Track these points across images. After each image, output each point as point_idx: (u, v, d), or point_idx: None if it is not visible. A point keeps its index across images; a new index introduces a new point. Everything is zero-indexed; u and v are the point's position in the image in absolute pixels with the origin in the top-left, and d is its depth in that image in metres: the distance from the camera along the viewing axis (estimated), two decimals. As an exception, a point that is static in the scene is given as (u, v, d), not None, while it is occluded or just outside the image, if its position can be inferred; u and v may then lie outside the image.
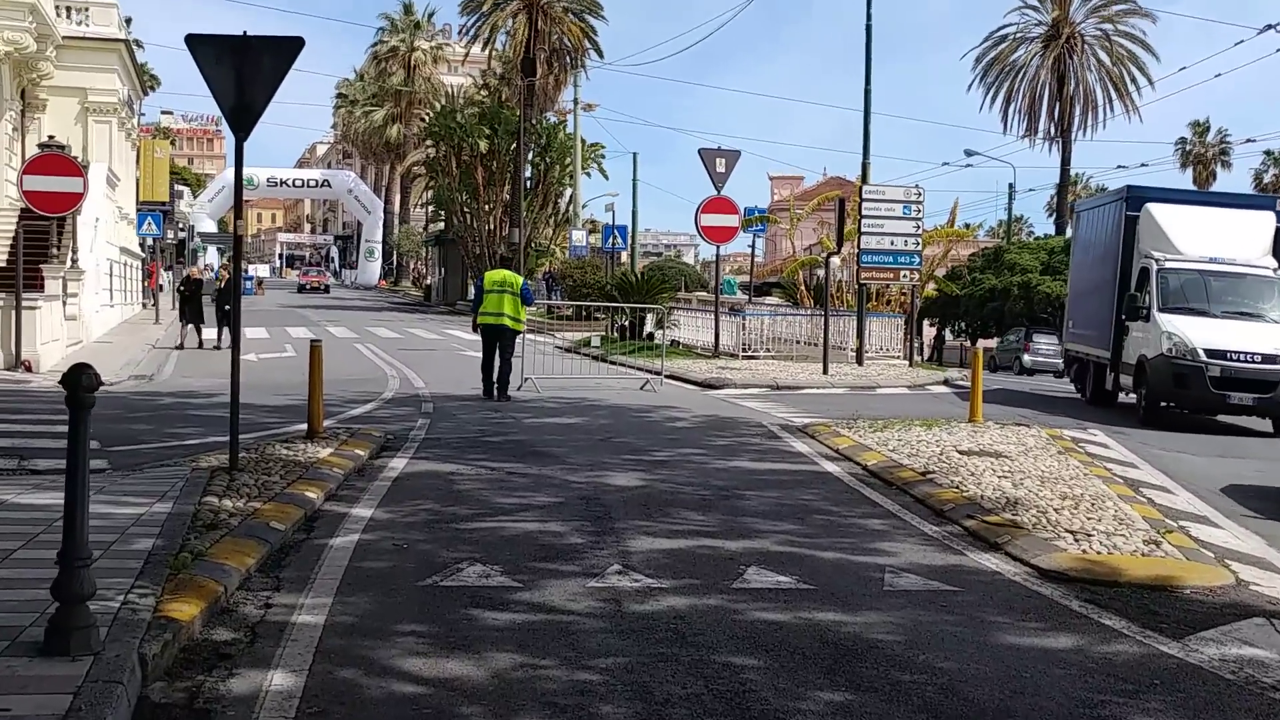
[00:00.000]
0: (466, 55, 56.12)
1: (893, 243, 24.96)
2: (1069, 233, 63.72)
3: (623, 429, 14.20)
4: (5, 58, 28.87)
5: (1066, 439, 13.99)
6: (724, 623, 6.26)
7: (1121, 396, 18.99)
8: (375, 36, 79.13)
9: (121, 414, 14.22)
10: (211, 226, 74.89)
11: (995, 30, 59.47)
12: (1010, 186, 64.12)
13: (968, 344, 55.06)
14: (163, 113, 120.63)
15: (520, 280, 17.66)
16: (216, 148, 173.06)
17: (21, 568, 6.34)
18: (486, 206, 51.00)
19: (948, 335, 57.13)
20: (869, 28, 25.38)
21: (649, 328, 29.75)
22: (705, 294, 58.95)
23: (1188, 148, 77.67)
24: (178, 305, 27.70)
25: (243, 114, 9.43)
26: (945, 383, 23.98)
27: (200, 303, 26.69)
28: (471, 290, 56.07)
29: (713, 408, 17.12)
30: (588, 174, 52.40)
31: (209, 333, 27.03)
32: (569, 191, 53.12)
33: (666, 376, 20.58)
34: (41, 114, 32.84)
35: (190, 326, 26.58)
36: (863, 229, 24.45)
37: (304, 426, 12.00)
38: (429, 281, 67.75)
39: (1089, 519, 9.14)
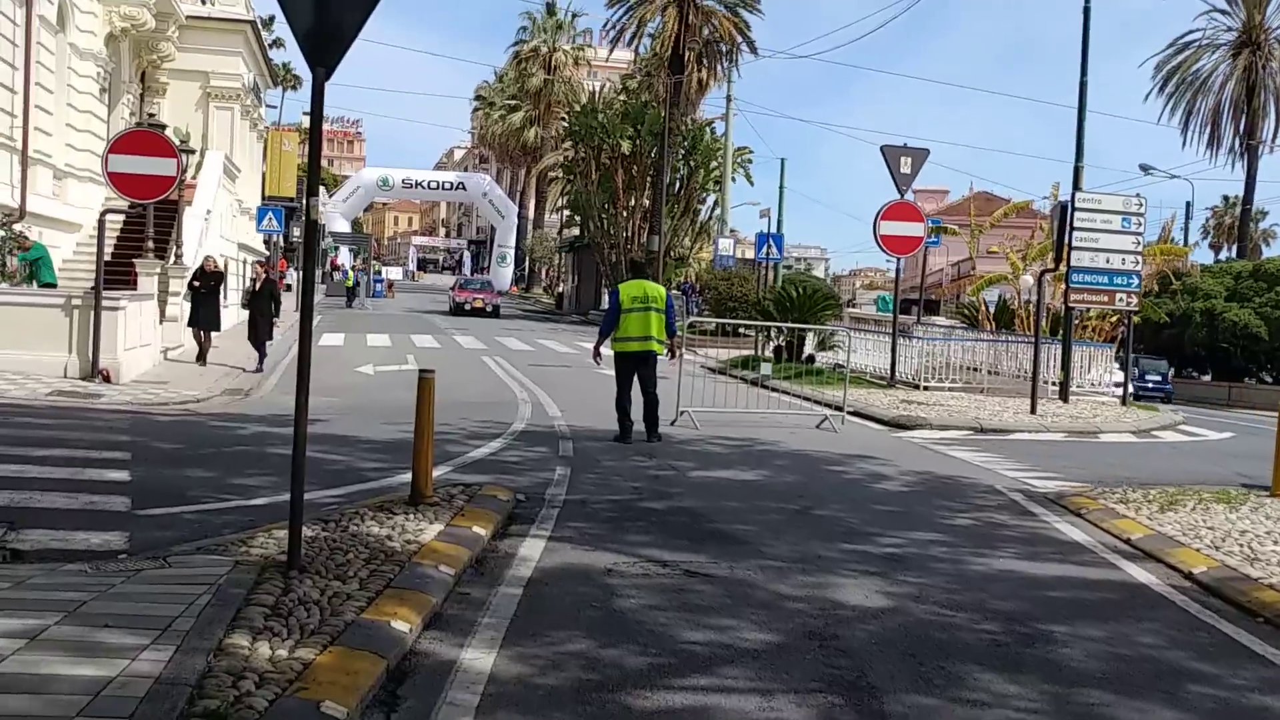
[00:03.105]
0: (610, 52, 53.46)
1: (1109, 260, 21.17)
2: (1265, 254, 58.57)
3: (820, 492, 10.86)
4: (123, 35, 26.88)
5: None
6: None
7: None
8: (516, 37, 77.27)
9: (184, 450, 11.38)
10: (345, 226, 73.49)
11: (1179, 36, 54.93)
12: (1188, 205, 58.63)
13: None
14: (304, 113, 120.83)
15: (664, 293, 14.10)
16: (356, 149, 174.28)
17: None
18: (625, 212, 48.11)
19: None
20: (1087, 9, 21.59)
21: (809, 349, 26.34)
22: (853, 310, 55.32)
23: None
24: (189, 307, 21.27)
25: (325, 41, 6.39)
26: (1174, 428, 20.16)
27: (218, 305, 21.16)
28: (605, 299, 53.73)
29: (918, 459, 13.68)
30: (733, 179, 49.11)
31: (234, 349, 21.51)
32: (710, 198, 49.97)
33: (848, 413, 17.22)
34: (161, 98, 30.96)
35: (201, 334, 20.78)
36: (1074, 243, 20.71)
37: (410, 477, 8.98)
38: (561, 289, 65.15)
39: None
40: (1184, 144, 56.94)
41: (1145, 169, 57.59)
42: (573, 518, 8.94)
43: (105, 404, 14.61)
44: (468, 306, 48.02)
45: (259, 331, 20.95)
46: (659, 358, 14.11)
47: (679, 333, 14.76)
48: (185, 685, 4.51)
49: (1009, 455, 14.46)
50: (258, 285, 21.85)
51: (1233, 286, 47.93)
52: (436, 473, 9.24)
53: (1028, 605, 7.09)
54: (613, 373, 14.21)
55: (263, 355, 20.90)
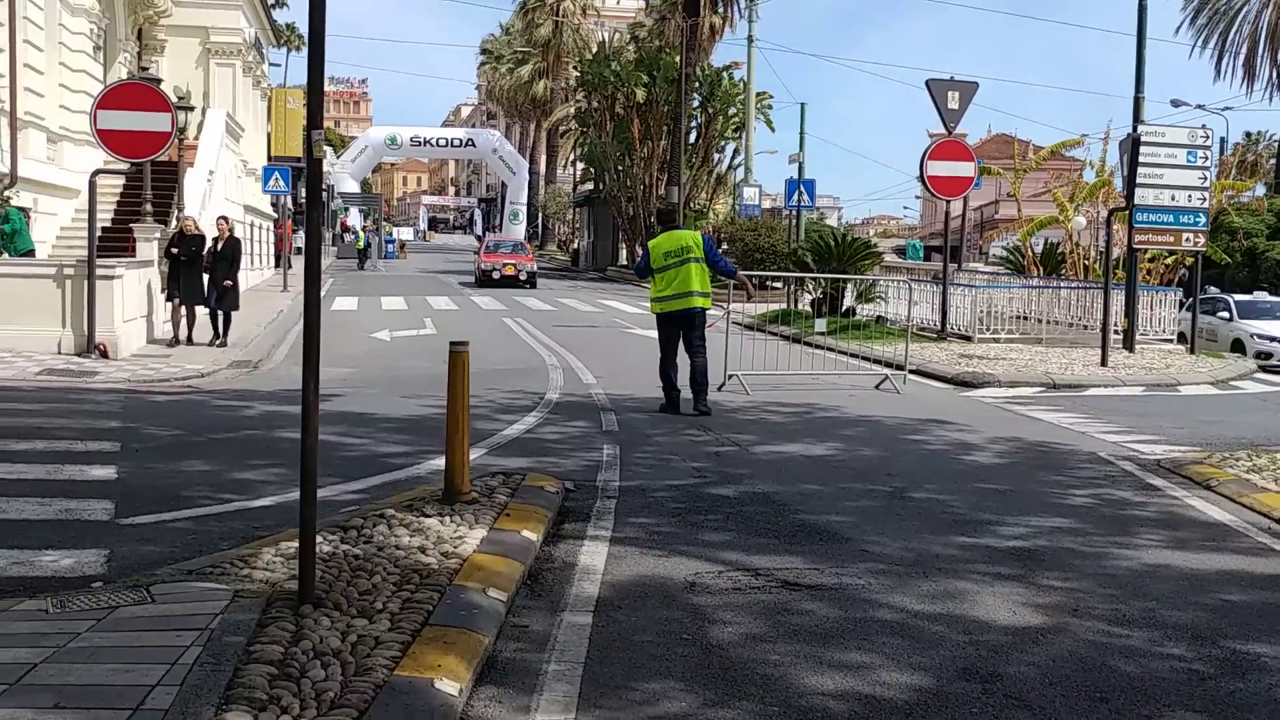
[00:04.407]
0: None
1: (1174, 197, 19.65)
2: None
3: (908, 469, 9.50)
4: (114, -12, 25.39)
5: None
6: None
7: None
8: (523, -13, 75.17)
9: (182, 436, 10.10)
10: (354, 187, 71.85)
11: (1212, -36, 52.42)
12: (1222, 141, 56.46)
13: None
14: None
15: (700, 238, 12.55)
16: (363, 110, 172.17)
17: None
18: (641, 163, 46.55)
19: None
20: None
21: (848, 301, 24.94)
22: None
23: None
24: (165, 275, 18.44)
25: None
26: (1251, 376, 18.76)
27: (200, 275, 17.88)
28: (624, 255, 52.09)
29: (1000, 423, 12.31)
30: (754, 127, 47.40)
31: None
32: (728, 146, 48.36)
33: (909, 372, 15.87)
34: (160, 56, 29.50)
35: (183, 308, 17.93)
36: (1138, 179, 19.20)
37: (440, 463, 7.73)
38: (576, 246, 63.63)
39: None
40: (1216, 77, 54.44)
41: (1177, 104, 55.66)
42: (633, 511, 7.64)
43: (100, 382, 13.34)
44: (496, 275, 38.40)
45: (224, 299, 17.95)
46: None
47: (736, 270, 13.53)
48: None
49: (1094, 414, 13.10)
50: (219, 245, 18.20)
51: (1275, 224, 46.10)
52: (470, 458, 7.95)
53: (1208, 615, 5.76)
54: (645, 332, 12.92)
55: (227, 326, 18.01)
